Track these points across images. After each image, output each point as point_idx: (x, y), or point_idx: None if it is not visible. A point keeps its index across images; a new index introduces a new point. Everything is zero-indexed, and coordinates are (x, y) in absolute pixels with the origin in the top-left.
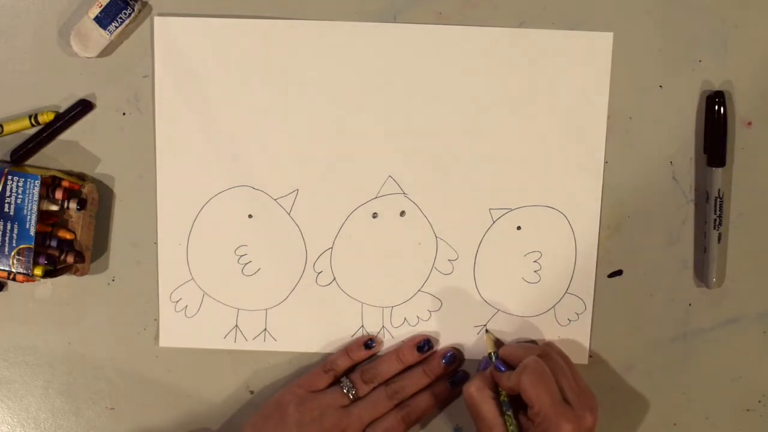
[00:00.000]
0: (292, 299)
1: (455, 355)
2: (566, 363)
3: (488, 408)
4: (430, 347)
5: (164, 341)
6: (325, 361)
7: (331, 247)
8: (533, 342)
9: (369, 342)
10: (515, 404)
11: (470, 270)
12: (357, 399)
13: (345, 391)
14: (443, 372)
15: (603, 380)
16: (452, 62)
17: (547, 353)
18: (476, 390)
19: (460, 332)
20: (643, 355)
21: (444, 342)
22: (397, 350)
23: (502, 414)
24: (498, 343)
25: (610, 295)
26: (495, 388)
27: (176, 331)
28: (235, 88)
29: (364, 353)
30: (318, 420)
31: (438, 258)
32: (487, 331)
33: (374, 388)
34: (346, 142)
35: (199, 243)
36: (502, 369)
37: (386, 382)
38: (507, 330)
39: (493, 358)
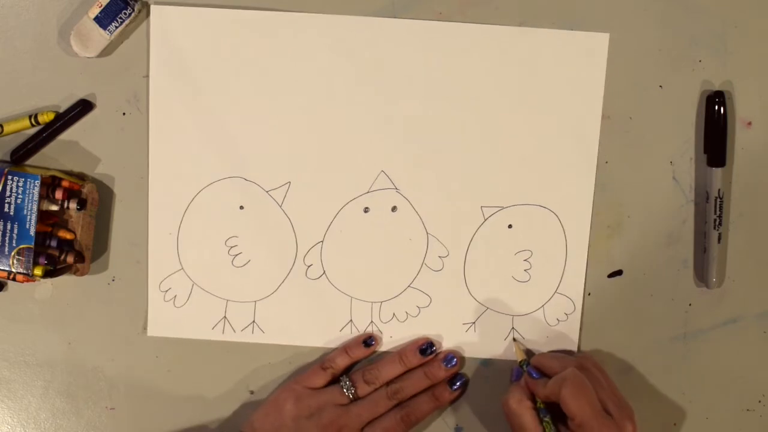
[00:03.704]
0: (282, 292)
1: (456, 358)
2: (602, 375)
3: (529, 419)
4: (433, 350)
5: (152, 331)
6: (323, 359)
7: (322, 241)
8: (567, 352)
9: (368, 340)
10: (552, 412)
11: (460, 267)
12: (356, 399)
13: (344, 390)
14: (444, 375)
15: None
16: (447, 59)
17: (583, 365)
18: (516, 402)
19: (449, 329)
20: (643, 355)
21: (432, 338)
22: (400, 353)
23: (541, 422)
24: (527, 352)
25: (610, 295)
26: (532, 397)
27: (164, 321)
28: (230, 78)
29: (363, 351)
30: (316, 416)
31: (428, 254)
32: (514, 339)
33: (375, 390)
34: (339, 137)
35: (190, 233)
36: (536, 376)
37: (387, 383)
38: (496, 329)
39: (525, 366)
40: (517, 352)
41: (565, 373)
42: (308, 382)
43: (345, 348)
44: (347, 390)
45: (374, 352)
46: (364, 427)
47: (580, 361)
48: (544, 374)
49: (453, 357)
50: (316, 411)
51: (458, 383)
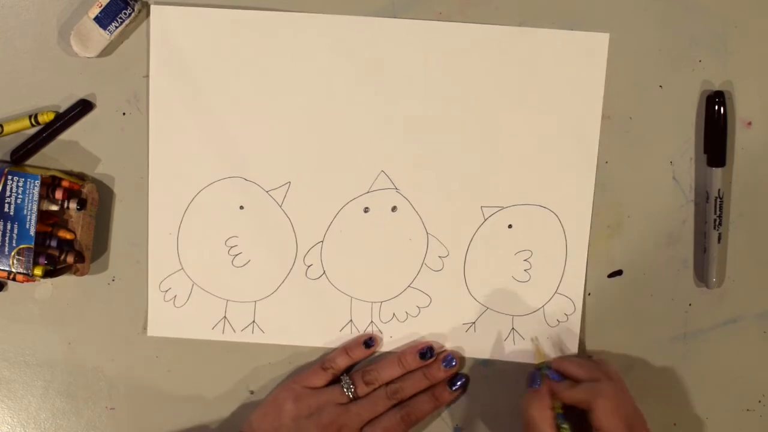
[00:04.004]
0: (282, 292)
1: (455, 360)
2: (625, 388)
3: (549, 429)
4: (432, 355)
5: (152, 331)
6: (324, 359)
7: (322, 241)
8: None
9: (368, 341)
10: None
11: (460, 267)
12: (356, 398)
13: (344, 390)
14: (443, 376)
15: None
16: (447, 59)
17: (610, 376)
18: (537, 410)
19: (449, 329)
20: (643, 355)
21: (432, 338)
22: (399, 355)
23: (558, 428)
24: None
25: (610, 295)
26: (550, 405)
27: (164, 321)
28: (230, 78)
29: (363, 352)
30: (316, 415)
31: (428, 254)
32: (532, 340)
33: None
34: (339, 136)
35: (190, 233)
36: (557, 379)
37: (386, 384)
38: (496, 329)
39: (545, 369)
40: (536, 354)
41: (602, 386)
42: (307, 381)
43: (345, 348)
44: (347, 389)
45: (374, 352)
46: (364, 427)
47: (607, 373)
48: (566, 378)
49: (452, 358)
50: (316, 410)
51: (458, 383)
